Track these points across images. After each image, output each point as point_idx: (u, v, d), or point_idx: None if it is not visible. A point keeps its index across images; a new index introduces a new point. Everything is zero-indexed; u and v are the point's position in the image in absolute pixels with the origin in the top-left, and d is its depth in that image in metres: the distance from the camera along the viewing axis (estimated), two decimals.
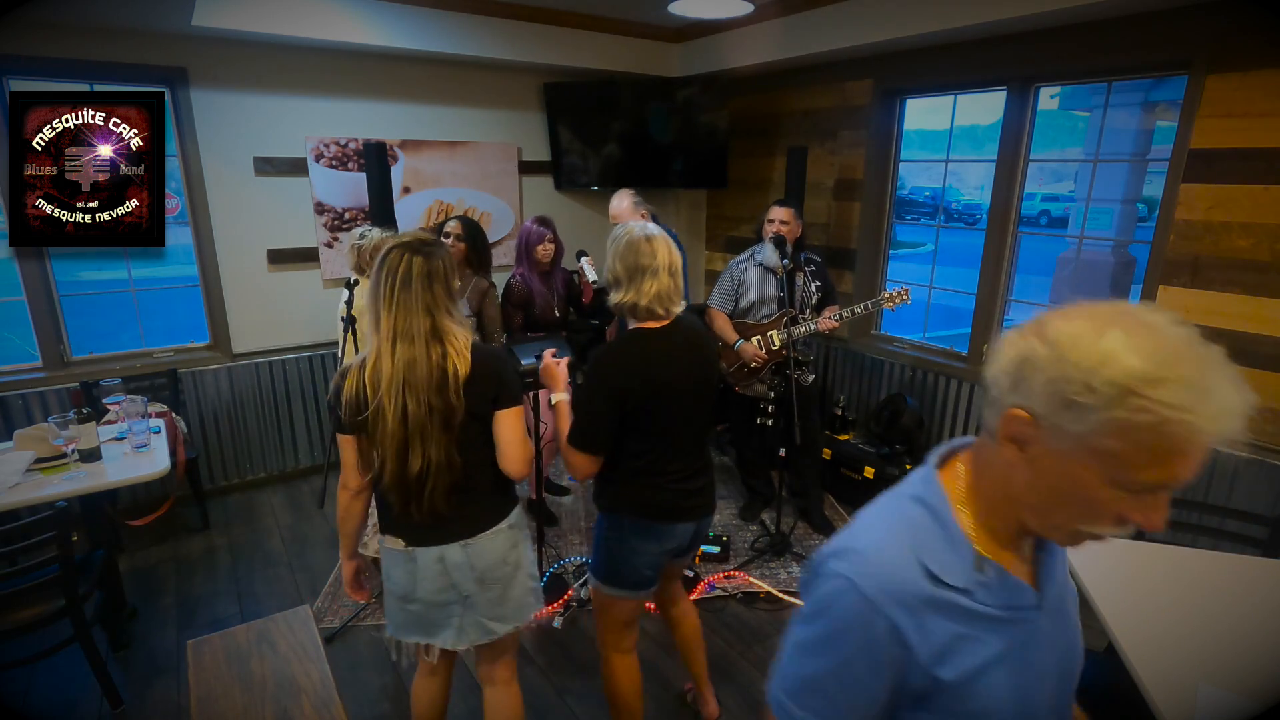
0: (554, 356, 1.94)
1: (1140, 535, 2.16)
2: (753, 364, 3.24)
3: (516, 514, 1.79)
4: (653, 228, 1.78)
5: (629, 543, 1.85)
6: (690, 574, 3.08)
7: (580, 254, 3.54)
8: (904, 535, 0.78)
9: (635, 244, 1.73)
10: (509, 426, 1.67)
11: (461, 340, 1.61)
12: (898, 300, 3.16)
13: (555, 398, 1.87)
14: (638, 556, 1.86)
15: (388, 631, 1.82)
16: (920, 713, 0.78)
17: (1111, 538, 0.71)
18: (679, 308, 1.79)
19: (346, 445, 1.66)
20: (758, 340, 3.27)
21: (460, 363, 1.59)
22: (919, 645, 0.74)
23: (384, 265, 1.58)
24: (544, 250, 3.35)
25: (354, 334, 2.84)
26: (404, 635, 1.78)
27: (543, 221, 3.39)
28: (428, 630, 1.76)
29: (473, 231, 3.24)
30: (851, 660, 0.76)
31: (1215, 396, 0.63)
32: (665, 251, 1.74)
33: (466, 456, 1.63)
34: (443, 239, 3.22)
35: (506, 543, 1.75)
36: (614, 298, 1.76)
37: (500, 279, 3.41)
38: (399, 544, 1.69)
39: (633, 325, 1.79)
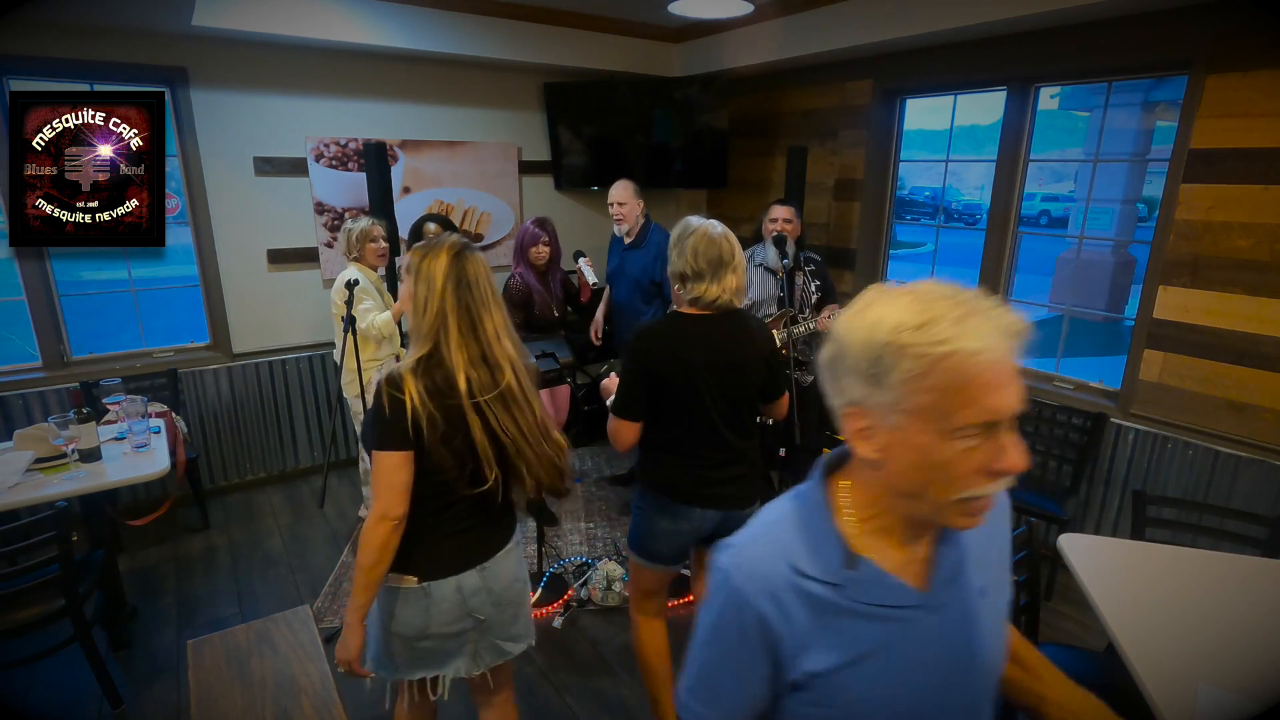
0: (554, 355, 1.97)
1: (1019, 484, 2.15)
2: None
3: (519, 530, 1.75)
4: (721, 225, 1.87)
5: (651, 517, 1.97)
6: (688, 573, 3.08)
7: (578, 254, 3.55)
8: (777, 530, 0.82)
9: (716, 240, 1.81)
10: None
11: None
12: None
13: (610, 401, 2.01)
14: (657, 531, 1.97)
15: (383, 675, 1.64)
16: (801, 703, 0.81)
17: (994, 493, 0.73)
18: (740, 302, 1.89)
19: (402, 465, 1.44)
20: None
21: (524, 379, 1.57)
22: (786, 634, 0.78)
23: (462, 264, 1.50)
24: (538, 252, 3.37)
25: (354, 333, 2.83)
26: (408, 674, 1.62)
27: (541, 224, 3.41)
28: (438, 663, 1.62)
29: (448, 227, 3.41)
30: (733, 649, 0.81)
31: (973, 321, 0.69)
32: (738, 249, 1.86)
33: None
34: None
35: (517, 560, 1.70)
36: (692, 291, 1.81)
37: (499, 278, 3.41)
38: (411, 581, 1.54)
39: (677, 309, 1.89)
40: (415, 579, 1.54)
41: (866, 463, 0.78)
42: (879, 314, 0.72)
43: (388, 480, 1.44)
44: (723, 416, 1.88)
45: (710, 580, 0.83)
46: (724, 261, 1.80)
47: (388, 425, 1.42)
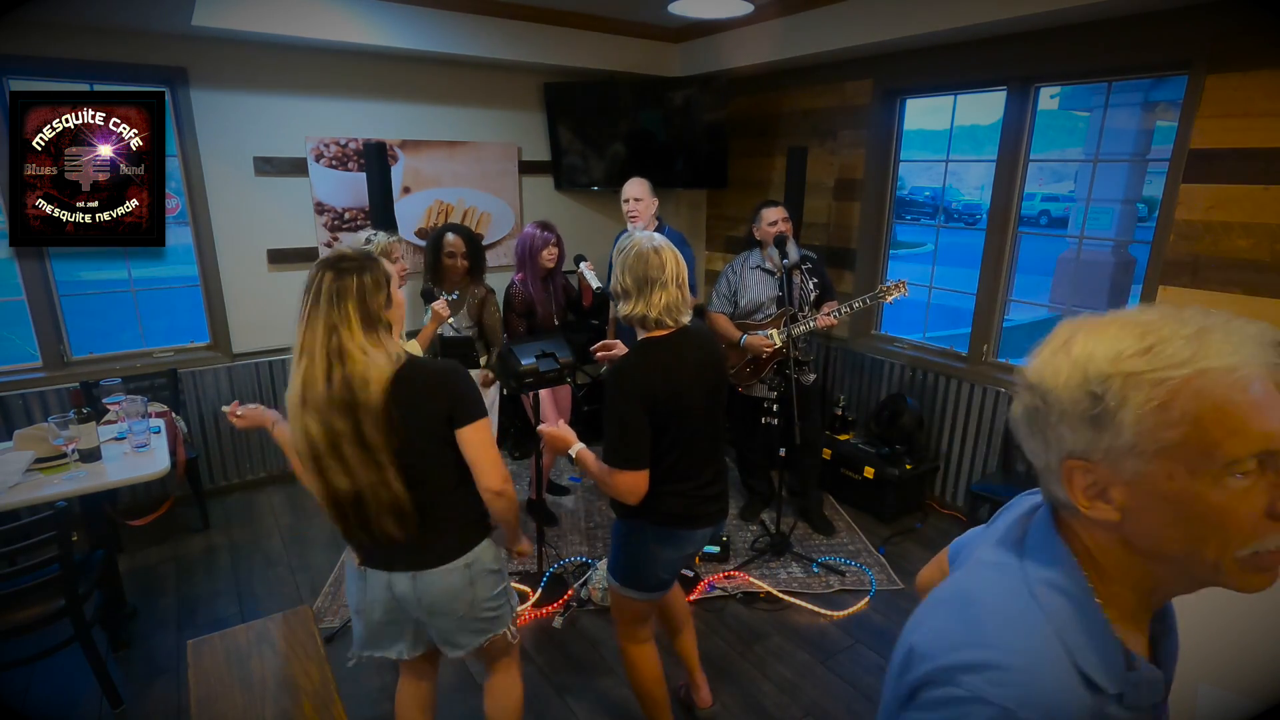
0: (554, 356, 1.94)
1: None
2: (764, 353, 3.23)
3: (479, 552, 1.65)
4: (660, 239, 1.78)
5: (649, 549, 1.88)
6: (690, 574, 3.08)
7: (579, 258, 3.54)
8: (1056, 641, 0.63)
9: (644, 255, 1.72)
10: (474, 444, 1.56)
11: (377, 360, 1.48)
12: (895, 292, 3.14)
13: (573, 450, 1.84)
14: (658, 562, 1.90)
15: (354, 650, 1.76)
16: None
17: None
18: (686, 318, 1.80)
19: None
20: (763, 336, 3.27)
21: (372, 384, 1.46)
22: None
23: (307, 282, 1.53)
24: (549, 255, 3.35)
25: None
26: (363, 650, 1.73)
27: (545, 226, 3.38)
28: (380, 645, 1.72)
29: (473, 244, 3.30)
30: None
31: (1213, 335, 0.57)
32: (673, 263, 1.74)
33: (421, 482, 1.54)
34: (447, 258, 3.23)
35: (461, 581, 1.63)
36: (623, 309, 1.76)
37: (499, 279, 3.41)
38: (355, 559, 1.65)
39: (641, 335, 1.80)
40: (358, 559, 1.64)
41: (1101, 527, 0.64)
42: (1085, 347, 0.60)
43: None
44: (707, 435, 1.86)
45: (953, 711, 0.62)
46: (650, 278, 1.71)
47: None
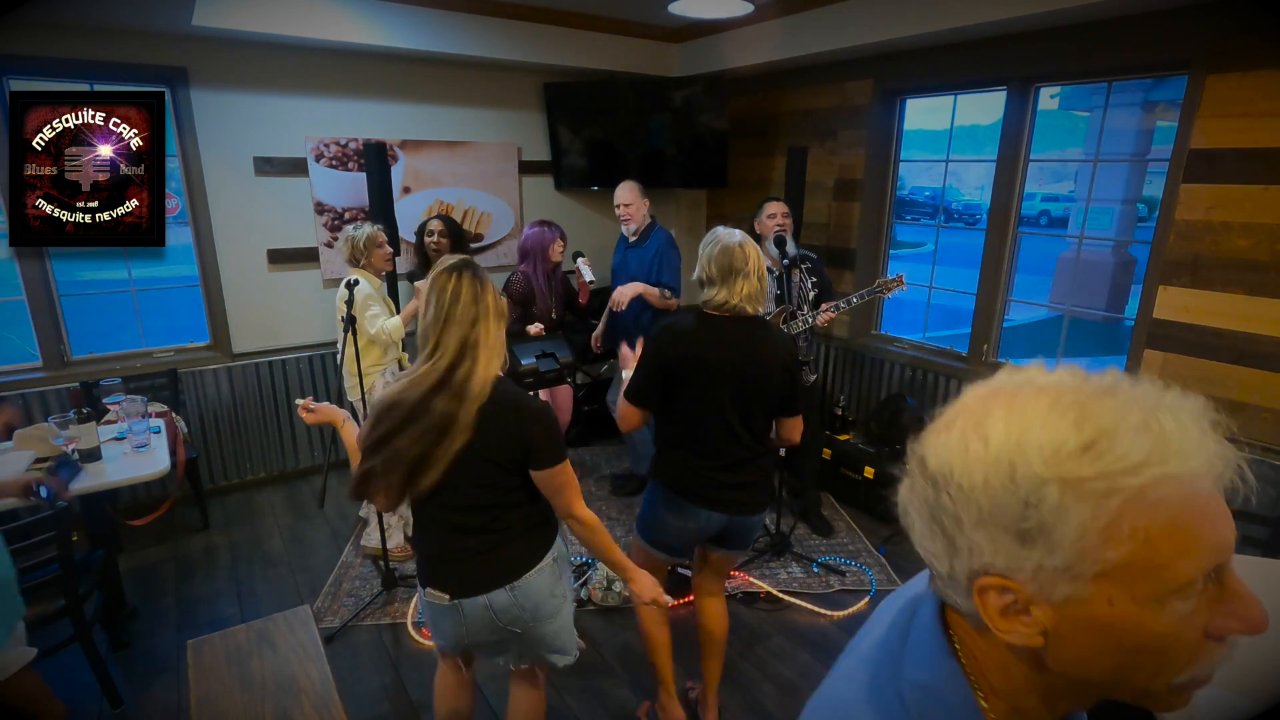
0: (554, 356, 1.98)
1: None
2: None
3: (557, 545, 1.72)
4: (740, 234, 1.93)
5: (658, 509, 2.04)
6: (688, 574, 3.08)
7: (577, 255, 3.55)
8: None
9: (730, 249, 1.88)
10: (551, 487, 1.59)
11: (492, 367, 1.54)
12: (893, 287, 3.15)
13: (625, 373, 2.15)
14: (663, 523, 2.03)
15: (430, 638, 1.77)
16: None
17: (1230, 655, 0.51)
18: (764, 308, 1.97)
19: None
20: None
21: (476, 388, 1.51)
22: None
23: (466, 282, 1.54)
24: (558, 248, 3.49)
25: (354, 334, 2.84)
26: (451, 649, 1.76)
27: (548, 224, 3.48)
28: (483, 654, 1.77)
29: (455, 229, 3.49)
30: None
31: (1165, 424, 0.47)
32: (756, 258, 1.90)
33: (486, 498, 1.57)
34: (426, 237, 3.43)
35: (551, 577, 1.68)
36: (706, 294, 1.91)
37: (499, 279, 3.41)
38: (443, 598, 1.60)
39: (706, 310, 1.94)
40: (448, 596, 1.60)
41: (1012, 650, 0.54)
42: (1009, 435, 0.49)
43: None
44: (737, 420, 1.93)
45: None
46: (735, 269, 1.86)
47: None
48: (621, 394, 2.00)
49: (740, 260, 1.87)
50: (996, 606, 0.52)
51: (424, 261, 3.52)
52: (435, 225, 3.46)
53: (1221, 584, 0.50)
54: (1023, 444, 0.48)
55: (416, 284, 3.14)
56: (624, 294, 3.33)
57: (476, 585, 1.59)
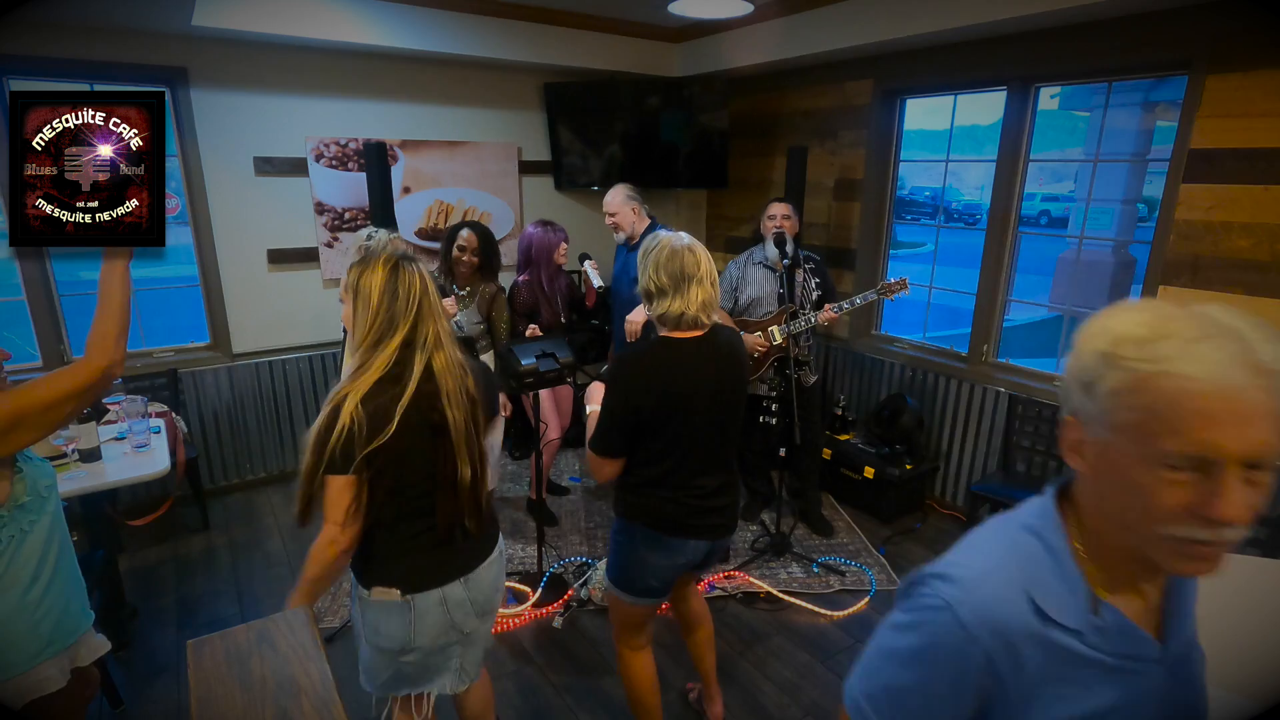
0: (554, 356, 1.95)
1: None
2: (755, 353, 3.22)
3: (502, 539, 1.75)
4: (688, 237, 1.79)
5: (639, 552, 1.86)
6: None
7: (583, 257, 3.53)
8: (1014, 566, 0.75)
9: (679, 253, 1.73)
10: (491, 438, 1.66)
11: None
12: (897, 289, 3.15)
13: (590, 409, 1.88)
14: (646, 567, 1.86)
15: (370, 691, 1.66)
16: None
17: (1213, 540, 0.65)
18: (717, 315, 1.81)
19: (345, 489, 1.42)
20: (759, 335, 3.27)
21: (469, 374, 1.57)
22: (1011, 680, 0.72)
23: (398, 277, 1.49)
24: (563, 251, 3.36)
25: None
26: (395, 690, 1.65)
27: (551, 224, 3.38)
28: (422, 680, 1.64)
29: (487, 242, 3.20)
30: (937, 681, 0.74)
31: (1207, 345, 0.62)
32: (706, 261, 1.76)
33: (480, 470, 1.59)
34: (456, 250, 3.14)
35: (498, 568, 1.69)
36: (656, 308, 1.74)
37: (502, 280, 3.40)
38: (393, 594, 1.53)
39: (662, 333, 1.77)
40: (399, 592, 1.53)
41: (1081, 481, 0.75)
42: (1110, 323, 0.68)
43: (336, 504, 1.42)
44: (713, 444, 1.81)
45: (916, 601, 0.77)
46: (686, 275, 1.71)
47: (332, 449, 1.39)
48: (588, 445, 1.79)
49: (691, 265, 1.71)
50: (1068, 438, 0.74)
51: (448, 271, 3.19)
52: (466, 238, 3.12)
53: (1210, 479, 0.63)
54: (1109, 329, 0.68)
55: (442, 302, 2.94)
56: (637, 322, 3.20)
57: (446, 572, 1.59)
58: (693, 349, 1.74)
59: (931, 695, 0.75)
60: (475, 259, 3.15)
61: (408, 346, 1.48)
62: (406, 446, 1.45)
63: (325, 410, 1.42)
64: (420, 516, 1.55)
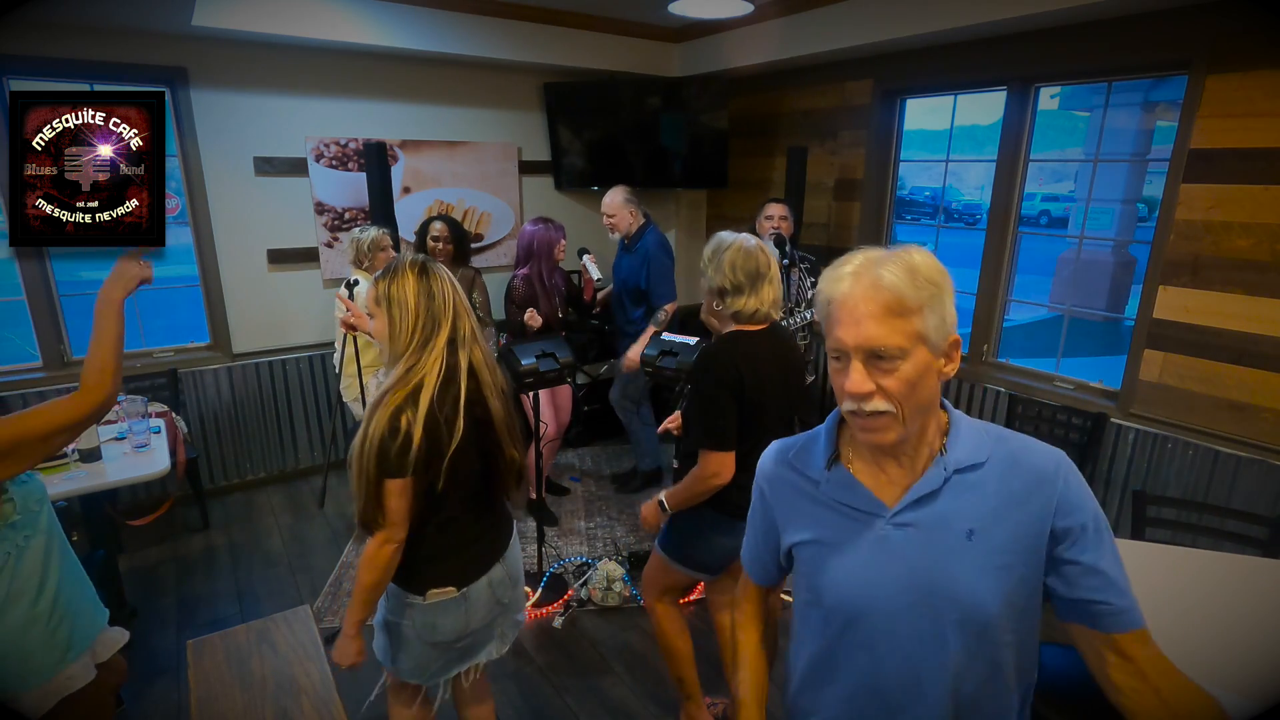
0: (554, 355, 1.95)
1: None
2: None
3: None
4: (753, 238, 1.86)
5: (705, 534, 1.92)
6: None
7: (582, 251, 3.54)
8: (797, 440, 1.10)
9: (751, 253, 1.80)
10: None
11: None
12: None
13: (665, 505, 1.94)
14: (711, 548, 1.93)
15: (422, 682, 1.69)
16: (798, 564, 1.06)
17: (856, 410, 0.90)
18: (778, 313, 1.90)
19: (397, 491, 1.46)
20: None
21: (496, 368, 1.65)
22: (775, 506, 1.09)
23: (430, 279, 1.52)
24: (562, 248, 3.45)
25: (355, 338, 2.85)
26: (448, 674, 1.70)
27: (549, 222, 3.42)
28: (472, 655, 1.71)
29: (458, 230, 3.50)
30: (754, 507, 1.17)
31: (841, 269, 0.91)
32: (774, 261, 1.85)
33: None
34: (430, 241, 3.39)
35: (516, 537, 1.80)
36: (732, 304, 1.81)
37: (499, 280, 3.42)
38: (450, 592, 1.58)
39: (732, 328, 1.84)
40: (454, 589, 1.59)
41: None
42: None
43: (394, 507, 1.46)
44: (779, 430, 1.88)
45: None
46: (760, 274, 1.79)
47: (390, 456, 1.43)
48: (705, 445, 1.81)
49: (764, 264, 1.80)
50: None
51: None
52: (439, 229, 3.43)
53: (848, 366, 0.89)
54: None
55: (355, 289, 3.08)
56: (634, 360, 3.32)
57: (490, 559, 1.67)
58: (762, 341, 1.83)
59: (754, 516, 1.17)
60: (450, 247, 3.41)
61: (451, 345, 1.52)
62: (462, 444, 1.50)
63: (380, 414, 1.44)
64: (468, 509, 1.61)
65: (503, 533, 1.72)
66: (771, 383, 1.81)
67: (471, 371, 1.54)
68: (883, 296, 0.86)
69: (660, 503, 1.94)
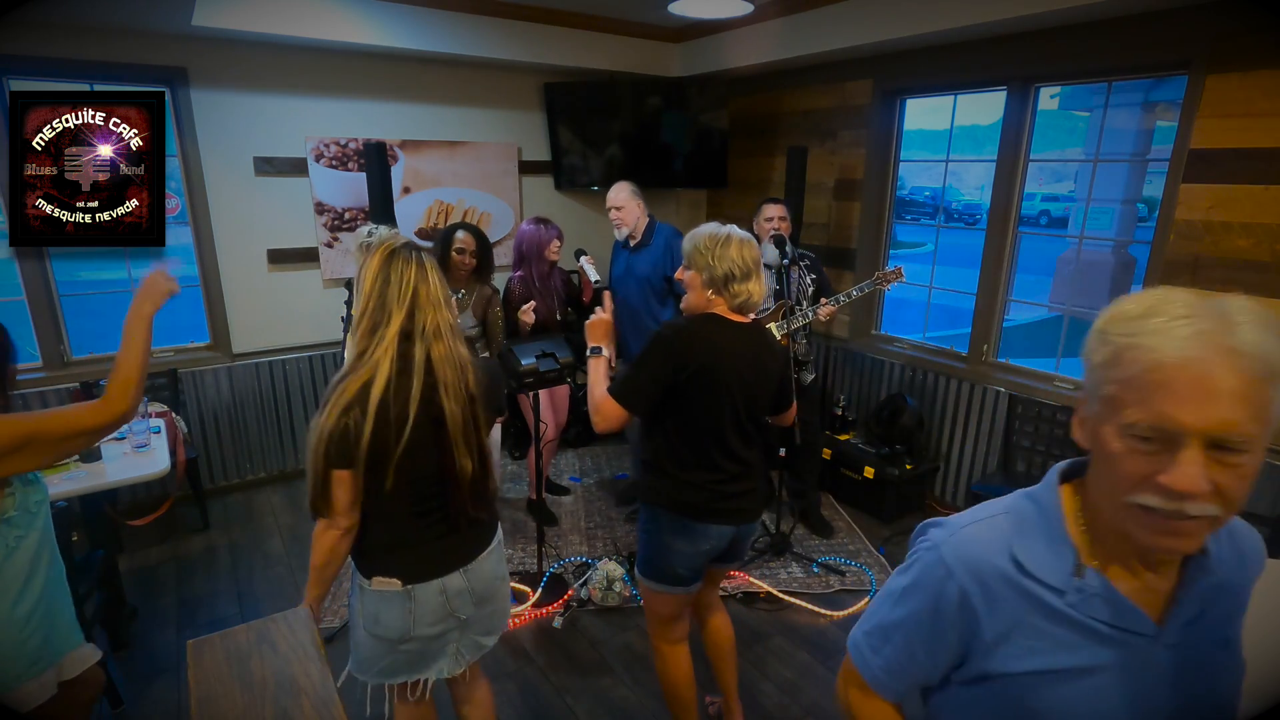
0: (554, 356, 1.95)
1: None
2: None
3: (500, 528, 1.77)
4: (743, 230, 1.88)
5: (664, 539, 1.88)
6: None
7: (579, 253, 3.53)
8: (1004, 523, 0.81)
9: (751, 244, 1.82)
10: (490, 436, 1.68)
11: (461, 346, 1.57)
12: (892, 279, 3.16)
13: (603, 351, 1.93)
14: (673, 554, 1.88)
15: (366, 680, 1.68)
16: (977, 699, 0.80)
17: (1172, 512, 0.66)
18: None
19: (343, 482, 1.46)
20: None
21: (469, 368, 1.55)
22: (986, 618, 0.77)
23: (392, 264, 1.49)
24: (555, 249, 3.37)
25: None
26: (391, 679, 1.66)
27: (545, 222, 3.39)
28: (420, 667, 1.65)
29: (483, 243, 3.18)
30: (921, 614, 0.82)
31: (1184, 324, 0.64)
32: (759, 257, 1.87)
33: (483, 464, 1.60)
34: (455, 253, 3.09)
35: (498, 558, 1.71)
36: (738, 293, 1.81)
37: (498, 280, 3.41)
38: (394, 584, 1.54)
39: (713, 310, 1.84)
40: (399, 582, 1.54)
41: (1091, 459, 0.76)
42: (1121, 303, 0.71)
43: (336, 496, 1.46)
44: (741, 429, 1.86)
45: (914, 546, 0.87)
46: (758, 263, 1.83)
47: (333, 444, 1.42)
48: (605, 389, 1.80)
49: (758, 258, 1.83)
50: (1076, 415, 0.77)
51: (445, 273, 3.14)
52: (463, 239, 3.09)
53: (1172, 454, 0.64)
54: (1116, 308, 0.71)
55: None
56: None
57: (445, 564, 1.60)
58: (739, 331, 1.82)
59: (914, 628, 0.84)
60: (474, 260, 3.13)
61: (406, 337, 1.47)
62: (411, 440, 1.46)
63: (332, 404, 1.43)
64: (422, 507, 1.56)
65: (466, 542, 1.63)
66: (736, 374, 1.78)
67: (429, 368, 1.47)
68: (1246, 366, 0.63)
69: (589, 350, 1.95)
